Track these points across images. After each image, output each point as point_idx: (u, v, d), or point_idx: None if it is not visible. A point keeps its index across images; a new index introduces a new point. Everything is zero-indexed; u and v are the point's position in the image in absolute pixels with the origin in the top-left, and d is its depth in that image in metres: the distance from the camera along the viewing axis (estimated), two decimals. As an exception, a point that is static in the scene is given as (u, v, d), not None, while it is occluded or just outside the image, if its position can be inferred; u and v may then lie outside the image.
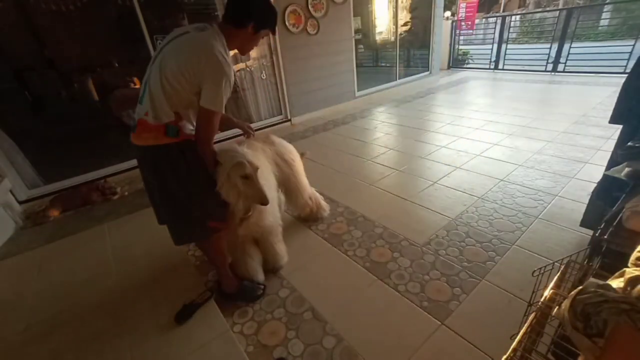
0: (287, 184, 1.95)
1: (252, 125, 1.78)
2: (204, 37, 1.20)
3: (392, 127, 4.22)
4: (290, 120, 4.70)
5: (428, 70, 6.98)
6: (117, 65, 3.75)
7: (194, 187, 1.32)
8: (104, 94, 3.62)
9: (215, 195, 1.33)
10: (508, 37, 7.28)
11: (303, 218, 2.25)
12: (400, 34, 6.36)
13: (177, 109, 1.25)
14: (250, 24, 1.28)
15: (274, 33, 1.46)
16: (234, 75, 1.23)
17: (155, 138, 1.23)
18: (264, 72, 4.33)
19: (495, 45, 7.21)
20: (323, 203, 2.26)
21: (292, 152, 1.98)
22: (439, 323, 1.42)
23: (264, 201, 1.34)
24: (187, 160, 1.28)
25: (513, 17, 7.89)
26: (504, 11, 16.74)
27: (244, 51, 1.41)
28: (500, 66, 7.19)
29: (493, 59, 7.23)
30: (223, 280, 1.63)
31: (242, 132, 1.76)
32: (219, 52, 1.17)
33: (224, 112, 1.29)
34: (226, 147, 1.39)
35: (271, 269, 1.80)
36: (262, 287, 1.67)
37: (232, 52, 1.34)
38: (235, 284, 1.62)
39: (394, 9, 6.17)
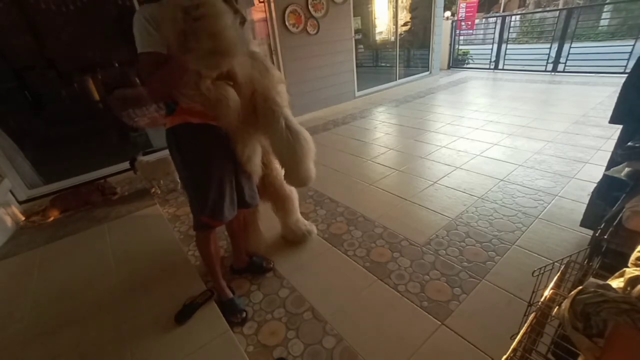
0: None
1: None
2: None
3: (392, 127, 4.22)
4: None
5: (428, 70, 6.98)
6: (117, 65, 3.75)
7: (187, 176, 1.35)
8: (104, 93, 3.62)
9: (210, 190, 1.33)
10: (508, 37, 7.28)
11: (289, 239, 2.07)
12: (400, 34, 6.35)
13: None
14: None
15: None
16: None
17: (166, 122, 1.29)
18: (264, 72, 4.33)
19: (495, 45, 7.21)
20: (308, 226, 2.09)
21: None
22: (439, 323, 1.42)
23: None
24: (181, 150, 1.30)
25: (513, 17, 7.88)
26: (504, 11, 16.75)
27: None
28: (500, 66, 7.19)
29: (493, 59, 7.23)
30: (215, 286, 1.64)
31: None
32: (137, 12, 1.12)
33: (157, 49, 1.10)
34: None
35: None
36: (245, 312, 1.56)
37: None
38: (226, 294, 1.62)
39: (394, 9, 6.17)
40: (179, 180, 2.95)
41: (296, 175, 1.46)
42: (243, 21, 1.21)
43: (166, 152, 3.53)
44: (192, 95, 1.19)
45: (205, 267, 1.66)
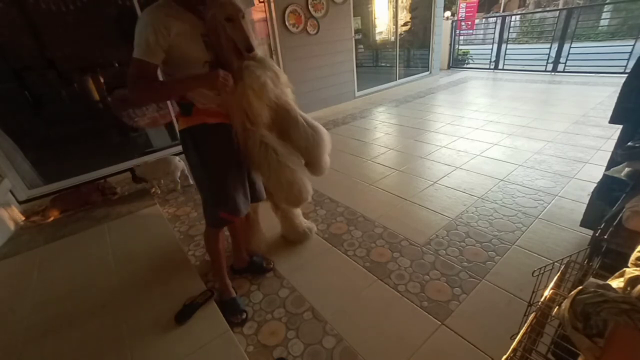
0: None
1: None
2: None
3: (392, 127, 4.22)
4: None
5: (428, 70, 6.98)
6: (117, 65, 3.74)
7: (205, 174, 1.36)
8: (104, 94, 3.62)
9: (228, 186, 1.36)
10: (508, 37, 7.28)
11: (290, 239, 2.07)
12: (400, 34, 6.35)
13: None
14: None
15: None
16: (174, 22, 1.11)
17: (179, 122, 1.33)
18: (264, 72, 4.32)
19: (495, 45, 7.21)
20: (308, 224, 2.11)
21: None
22: (439, 323, 1.42)
23: (249, 46, 1.22)
24: (199, 149, 1.32)
25: (513, 17, 7.88)
26: (504, 11, 16.75)
27: None
28: (500, 66, 7.19)
29: (493, 59, 7.23)
30: (217, 284, 1.65)
31: None
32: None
33: (148, 59, 1.12)
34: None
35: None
36: (245, 313, 1.56)
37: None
38: (227, 293, 1.62)
39: (394, 9, 6.16)
40: (178, 180, 2.95)
41: (320, 166, 1.60)
42: (241, 16, 1.20)
43: (166, 152, 3.55)
44: (209, 96, 1.26)
45: (212, 264, 1.67)
